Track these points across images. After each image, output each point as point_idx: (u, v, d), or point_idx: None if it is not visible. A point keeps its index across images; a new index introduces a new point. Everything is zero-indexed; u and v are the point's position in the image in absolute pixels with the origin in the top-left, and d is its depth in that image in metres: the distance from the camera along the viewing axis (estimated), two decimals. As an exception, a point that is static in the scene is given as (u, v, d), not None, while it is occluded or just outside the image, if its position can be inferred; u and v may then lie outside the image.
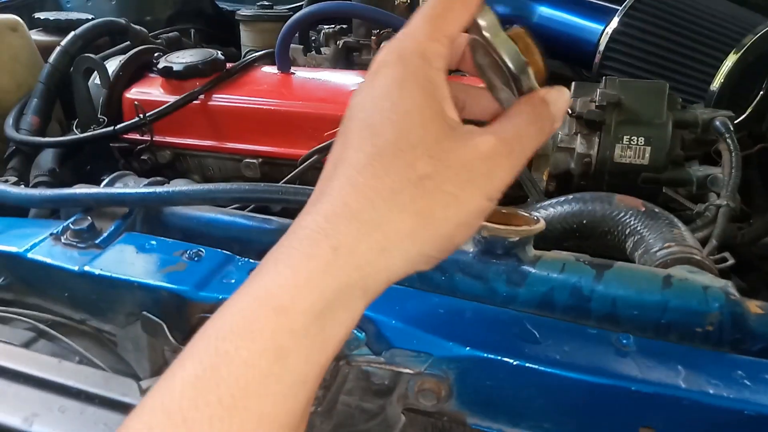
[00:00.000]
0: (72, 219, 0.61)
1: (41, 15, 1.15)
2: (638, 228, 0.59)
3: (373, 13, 0.90)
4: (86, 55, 0.92)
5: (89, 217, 0.61)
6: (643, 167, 0.73)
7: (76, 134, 0.90)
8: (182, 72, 0.87)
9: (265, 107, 0.85)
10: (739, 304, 0.49)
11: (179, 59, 0.89)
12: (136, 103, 0.87)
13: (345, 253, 0.27)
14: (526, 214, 0.53)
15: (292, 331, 0.25)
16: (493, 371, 0.44)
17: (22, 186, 0.75)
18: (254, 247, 0.61)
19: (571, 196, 0.65)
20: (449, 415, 0.47)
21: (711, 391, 0.41)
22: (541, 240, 0.55)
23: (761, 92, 0.86)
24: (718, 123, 0.73)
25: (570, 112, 0.77)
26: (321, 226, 0.27)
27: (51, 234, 0.60)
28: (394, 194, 0.28)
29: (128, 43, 1.03)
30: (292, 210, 0.63)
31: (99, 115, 0.90)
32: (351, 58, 1.08)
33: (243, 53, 1.15)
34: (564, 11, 1.03)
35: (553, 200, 0.66)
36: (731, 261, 0.59)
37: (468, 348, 0.45)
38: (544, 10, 1.05)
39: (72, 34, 0.97)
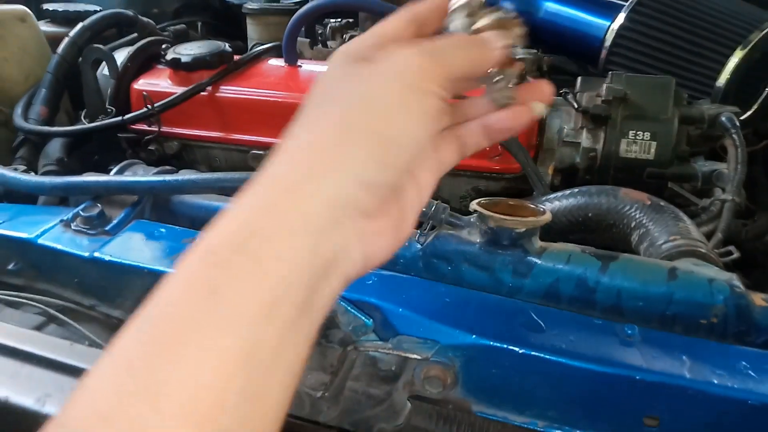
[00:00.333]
0: (82, 206, 0.62)
1: (50, 6, 1.15)
2: (643, 221, 0.59)
3: (379, 6, 0.90)
4: (95, 45, 0.92)
5: (99, 205, 0.61)
6: (648, 162, 0.74)
7: (85, 124, 0.91)
8: (190, 63, 0.88)
9: (272, 99, 0.85)
10: (744, 296, 0.49)
11: (187, 51, 0.90)
12: (144, 93, 0.87)
13: (269, 183, 0.28)
14: (532, 206, 0.54)
15: (216, 264, 0.25)
16: (498, 359, 0.45)
17: (32, 174, 0.75)
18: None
19: (576, 189, 0.65)
20: (454, 402, 0.47)
21: (715, 381, 0.42)
22: (546, 233, 0.55)
23: (767, 89, 0.86)
24: (724, 119, 0.73)
25: (576, 106, 0.77)
26: (256, 175, 0.29)
27: (61, 221, 0.61)
28: (316, 117, 0.30)
29: (136, 34, 1.03)
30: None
31: (107, 106, 0.90)
32: (357, 52, 1.07)
33: (249, 47, 1.16)
34: (570, 7, 1.03)
35: (559, 193, 0.66)
36: (736, 254, 0.59)
37: (474, 336, 0.45)
38: (551, 6, 1.05)
39: (80, 25, 0.97)
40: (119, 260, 0.55)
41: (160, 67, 0.94)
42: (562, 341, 0.45)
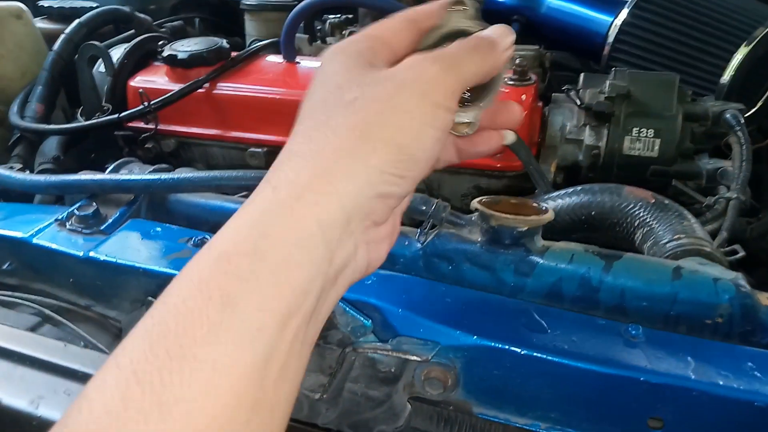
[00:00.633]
0: (77, 205, 0.61)
1: (45, 3, 1.14)
2: (647, 220, 0.59)
3: (378, 2, 0.89)
4: (91, 42, 0.91)
5: (94, 203, 0.61)
6: (652, 160, 0.73)
7: (81, 122, 0.90)
8: (187, 60, 0.87)
9: (270, 96, 0.84)
10: (749, 296, 0.48)
11: (184, 47, 0.89)
12: (140, 91, 0.86)
13: (284, 188, 0.27)
14: (534, 204, 0.53)
15: (236, 275, 0.24)
16: (500, 360, 0.44)
17: (28, 172, 0.75)
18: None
19: (579, 188, 0.64)
20: (455, 404, 0.46)
21: (720, 382, 0.41)
22: (549, 231, 0.54)
23: (772, 85, 0.86)
24: (728, 116, 0.73)
25: (579, 103, 0.76)
26: (266, 177, 0.28)
27: (56, 220, 0.60)
28: (328, 121, 0.29)
29: (132, 31, 1.03)
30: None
31: (103, 103, 0.89)
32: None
33: (247, 43, 1.15)
34: (573, 2, 1.02)
35: (562, 191, 0.65)
36: (741, 253, 0.59)
37: (475, 337, 0.44)
38: (553, 2, 1.04)
39: (76, 22, 0.96)
40: (114, 260, 0.54)
41: (156, 64, 0.93)
42: (564, 342, 0.44)
